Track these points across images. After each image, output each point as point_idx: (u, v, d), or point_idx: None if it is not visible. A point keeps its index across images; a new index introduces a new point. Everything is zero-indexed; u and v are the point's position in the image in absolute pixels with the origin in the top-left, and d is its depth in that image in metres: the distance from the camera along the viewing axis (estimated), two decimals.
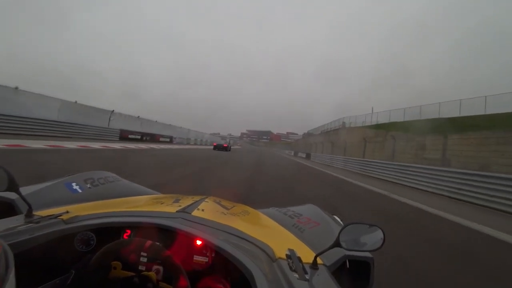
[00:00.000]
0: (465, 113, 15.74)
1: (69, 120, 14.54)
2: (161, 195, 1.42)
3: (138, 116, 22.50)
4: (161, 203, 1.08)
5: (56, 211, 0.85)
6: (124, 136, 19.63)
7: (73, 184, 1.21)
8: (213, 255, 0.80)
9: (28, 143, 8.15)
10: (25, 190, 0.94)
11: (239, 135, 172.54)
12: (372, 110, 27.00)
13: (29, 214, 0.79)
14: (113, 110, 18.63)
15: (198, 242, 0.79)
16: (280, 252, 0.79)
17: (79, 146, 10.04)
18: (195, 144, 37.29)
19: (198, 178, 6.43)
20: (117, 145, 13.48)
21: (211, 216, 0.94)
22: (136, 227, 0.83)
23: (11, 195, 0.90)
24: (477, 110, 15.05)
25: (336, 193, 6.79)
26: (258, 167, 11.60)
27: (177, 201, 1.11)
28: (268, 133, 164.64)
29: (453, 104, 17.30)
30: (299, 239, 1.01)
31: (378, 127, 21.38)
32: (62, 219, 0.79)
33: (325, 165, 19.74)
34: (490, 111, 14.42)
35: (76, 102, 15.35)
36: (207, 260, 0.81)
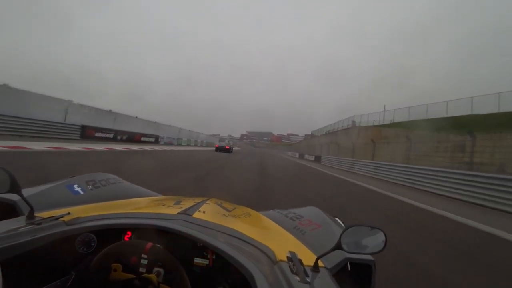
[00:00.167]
0: (477, 111, 15.13)
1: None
2: (163, 197, 1.43)
3: (110, 110, 17.87)
4: (163, 205, 1.09)
5: (58, 213, 0.85)
6: (89, 134, 15.97)
7: (75, 185, 1.22)
8: (214, 257, 0.81)
9: None
10: (27, 191, 0.95)
11: (239, 136, 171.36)
12: (385, 108, 25.14)
13: (30, 216, 0.79)
14: (72, 100, 14.05)
15: (199, 244, 0.79)
16: (281, 254, 0.80)
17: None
18: (188, 145, 34.13)
19: None
20: (72, 146, 10.46)
21: (212, 218, 0.94)
22: (137, 229, 0.84)
23: (13, 197, 0.91)
24: (491, 107, 14.55)
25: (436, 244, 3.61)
26: (264, 179, 8.57)
27: (178, 203, 1.11)
28: (268, 134, 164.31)
29: (463, 102, 16.60)
30: (300, 242, 1.01)
31: (396, 125, 19.75)
32: (63, 220, 0.80)
33: (347, 172, 16.43)
34: (505, 108, 13.79)
35: (5, 85, 10.68)
36: (208, 262, 0.82)
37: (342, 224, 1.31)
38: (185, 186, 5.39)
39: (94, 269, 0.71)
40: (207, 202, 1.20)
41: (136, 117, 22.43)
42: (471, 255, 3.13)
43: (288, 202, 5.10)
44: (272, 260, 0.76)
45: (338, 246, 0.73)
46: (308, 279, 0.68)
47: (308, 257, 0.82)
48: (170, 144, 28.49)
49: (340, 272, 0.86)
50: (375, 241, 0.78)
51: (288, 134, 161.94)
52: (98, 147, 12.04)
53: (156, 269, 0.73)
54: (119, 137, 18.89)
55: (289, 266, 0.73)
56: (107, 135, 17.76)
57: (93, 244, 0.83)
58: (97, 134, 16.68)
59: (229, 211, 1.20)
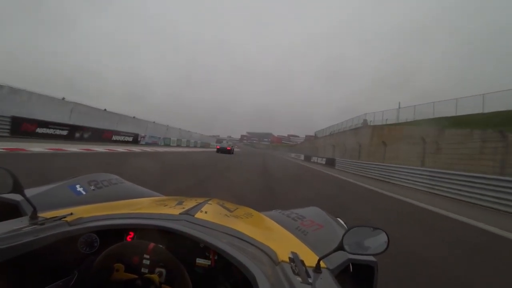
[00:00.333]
0: (490, 109, 13.85)
1: None
2: (165, 197, 1.45)
3: (63, 98, 13.20)
4: (165, 205, 1.11)
5: (61, 213, 0.87)
6: (25, 129, 12.21)
7: (77, 186, 1.24)
8: (216, 257, 0.83)
9: None
10: (29, 192, 0.98)
11: (239, 137, 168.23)
12: (399, 106, 22.67)
13: (33, 216, 0.81)
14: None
15: (201, 245, 0.81)
16: (283, 255, 0.81)
17: None
18: (178, 146, 30.83)
19: None
20: None
21: (214, 219, 0.96)
22: (139, 229, 0.85)
23: (16, 197, 0.93)
24: (506, 105, 13.06)
25: None
26: (271, 191, 6.51)
27: (180, 203, 1.13)
28: (269, 135, 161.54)
29: (472, 100, 15.31)
30: (302, 242, 1.03)
31: (416, 123, 17.60)
32: (66, 221, 0.81)
33: (383, 183, 12.61)
34: None
35: None
36: (209, 263, 0.83)
37: (345, 225, 1.32)
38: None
39: (97, 269, 0.72)
40: (209, 202, 1.21)
41: (105, 109, 17.77)
42: None
43: None
44: (274, 260, 0.76)
45: (340, 247, 0.74)
46: (310, 280, 0.69)
47: (310, 258, 0.83)
48: (155, 144, 25.13)
49: (342, 273, 0.86)
50: (377, 242, 0.78)
51: (289, 135, 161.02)
52: (37, 147, 8.98)
53: (158, 269, 0.73)
54: (77, 135, 14.10)
55: (291, 267, 0.74)
56: (59, 132, 13.00)
57: (95, 244, 0.83)
58: (39, 130, 11.92)
59: (231, 211, 1.21)
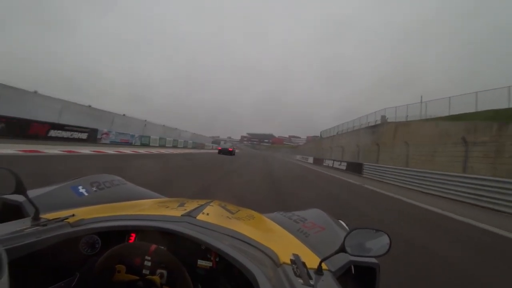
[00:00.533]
0: None
1: None
2: (166, 199, 1.47)
3: None
4: (166, 207, 1.12)
5: (63, 214, 0.89)
6: None
7: (79, 187, 1.25)
8: (217, 259, 0.84)
9: None
10: (32, 193, 0.98)
11: (239, 138, 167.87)
12: (421, 100, 19.36)
13: (36, 217, 0.82)
14: None
15: (203, 246, 0.83)
16: (285, 257, 0.82)
17: None
18: (162, 146, 25.67)
19: None
20: None
21: (216, 220, 0.97)
22: (141, 231, 0.87)
23: (19, 198, 0.94)
24: None
25: None
26: None
27: (182, 205, 1.14)
28: (269, 136, 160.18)
29: (495, 92, 13.03)
30: (304, 244, 1.04)
31: (463, 117, 13.69)
32: (68, 222, 0.83)
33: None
34: None
35: None
36: (211, 265, 0.85)
37: (346, 227, 1.34)
38: None
39: (98, 270, 0.73)
40: (211, 204, 1.23)
41: (36, 91, 11.67)
42: None
43: None
44: (275, 262, 0.78)
45: (342, 249, 0.75)
46: (311, 282, 0.70)
47: (311, 260, 0.84)
48: (125, 144, 19.80)
49: (344, 275, 0.88)
50: (379, 244, 0.79)
51: (290, 136, 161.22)
52: None
53: (159, 270, 0.75)
54: None
55: (293, 269, 0.75)
56: None
57: (97, 246, 0.85)
58: None
59: (232, 213, 1.22)
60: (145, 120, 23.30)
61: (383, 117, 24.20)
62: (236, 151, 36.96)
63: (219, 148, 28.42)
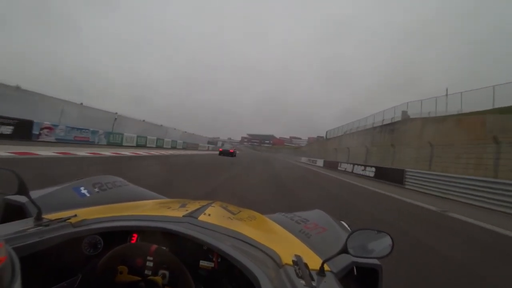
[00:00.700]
0: None
1: None
2: (168, 200, 1.47)
3: None
4: (168, 208, 1.13)
5: (65, 215, 0.89)
6: None
7: (82, 188, 1.25)
8: (219, 260, 0.85)
9: None
10: (34, 193, 1.00)
11: (239, 139, 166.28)
12: (447, 92, 16.93)
13: (38, 217, 0.83)
14: None
15: (204, 247, 0.84)
16: (287, 258, 0.82)
17: None
18: (140, 147, 20.79)
19: None
20: None
21: (218, 221, 0.98)
22: (143, 232, 0.88)
23: (21, 199, 0.95)
24: None
25: None
26: None
27: (183, 205, 1.15)
28: (270, 137, 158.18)
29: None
30: (306, 245, 1.04)
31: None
32: (70, 222, 0.84)
33: None
34: None
35: None
36: (213, 265, 0.85)
37: (348, 228, 1.33)
38: None
39: (100, 271, 0.74)
40: (213, 205, 1.23)
41: None
42: None
43: None
44: (277, 263, 0.78)
45: (344, 250, 0.75)
46: (313, 283, 0.70)
47: (313, 261, 0.84)
48: (83, 142, 15.21)
49: (346, 277, 0.87)
50: (382, 245, 0.79)
51: (291, 137, 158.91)
52: None
53: (161, 271, 0.76)
54: None
55: (295, 270, 0.75)
56: None
57: (99, 246, 0.86)
58: None
59: (234, 214, 1.22)
60: (116, 113, 18.28)
61: (404, 113, 20.78)
62: (237, 152, 35.65)
63: (220, 149, 28.31)
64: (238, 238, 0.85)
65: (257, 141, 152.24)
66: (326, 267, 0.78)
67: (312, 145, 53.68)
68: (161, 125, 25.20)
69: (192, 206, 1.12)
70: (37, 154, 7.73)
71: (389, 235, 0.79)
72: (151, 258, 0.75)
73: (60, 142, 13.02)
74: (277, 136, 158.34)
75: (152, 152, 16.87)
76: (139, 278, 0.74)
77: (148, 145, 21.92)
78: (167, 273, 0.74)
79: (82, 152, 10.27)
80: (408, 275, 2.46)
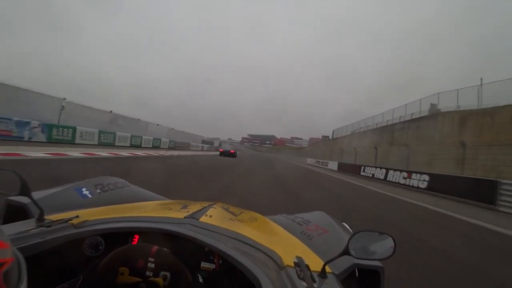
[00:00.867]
0: None
1: None
2: (170, 201, 1.48)
3: None
4: (169, 209, 1.14)
5: (67, 216, 0.90)
6: None
7: (83, 189, 1.25)
8: (220, 261, 0.85)
9: None
10: (37, 194, 1.02)
11: (240, 139, 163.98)
12: (482, 82, 14.04)
13: (40, 218, 0.84)
14: None
15: (206, 249, 0.85)
16: (288, 259, 0.82)
17: None
18: (112, 146, 16.27)
19: None
20: None
21: (219, 223, 0.98)
22: (144, 233, 0.89)
23: (24, 199, 0.95)
24: None
25: None
26: None
27: (185, 207, 1.15)
28: (271, 138, 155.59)
29: None
30: (308, 247, 1.03)
31: None
32: (72, 223, 0.84)
33: None
34: None
35: None
36: (214, 267, 0.85)
37: (350, 230, 1.33)
38: None
39: (102, 272, 0.74)
40: (214, 206, 1.23)
41: None
42: None
43: None
44: (278, 265, 0.78)
45: (346, 252, 0.75)
46: (315, 285, 0.69)
47: (315, 263, 0.84)
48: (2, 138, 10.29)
49: (348, 279, 0.87)
50: (383, 246, 0.79)
51: (292, 138, 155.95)
52: None
53: (162, 272, 0.76)
54: None
55: (296, 272, 0.75)
56: None
57: (100, 247, 0.86)
58: None
59: (235, 215, 1.22)
60: (64, 99, 13.33)
61: (432, 106, 17.25)
62: (237, 152, 34.70)
63: (221, 150, 28.08)
64: (239, 239, 0.85)
65: (258, 141, 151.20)
66: (327, 268, 0.79)
67: (316, 145, 50.85)
68: (138, 119, 20.42)
69: (194, 208, 1.13)
70: None
71: (391, 237, 0.79)
72: (152, 260, 0.76)
73: None
74: (278, 136, 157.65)
75: (120, 153, 12.48)
76: (140, 280, 0.75)
77: (118, 144, 17.16)
78: (168, 274, 0.74)
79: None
80: None
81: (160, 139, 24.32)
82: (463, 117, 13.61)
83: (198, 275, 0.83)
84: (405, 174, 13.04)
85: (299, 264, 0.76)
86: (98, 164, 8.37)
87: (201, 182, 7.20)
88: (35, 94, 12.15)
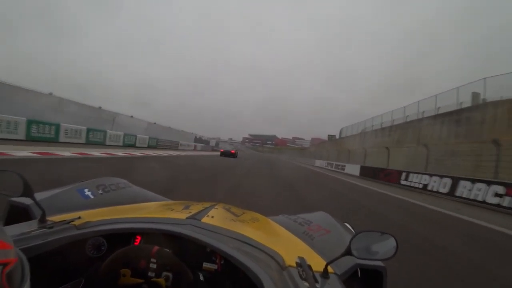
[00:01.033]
0: None
1: None
2: (171, 202, 1.47)
3: None
4: (171, 210, 1.14)
5: (69, 217, 0.91)
6: None
7: (85, 190, 1.25)
8: (222, 262, 0.86)
9: None
10: (39, 195, 1.01)
11: (241, 139, 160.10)
12: None
13: (42, 219, 0.85)
14: None
15: (208, 249, 0.86)
16: (290, 260, 0.83)
17: None
18: (55, 142, 12.05)
19: None
20: None
21: (221, 223, 0.98)
22: (146, 233, 0.90)
23: (26, 201, 0.96)
24: None
25: None
26: None
27: (187, 207, 1.15)
28: (272, 138, 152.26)
29: None
30: (310, 247, 1.03)
31: None
32: (74, 224, 0.85)
33: None
34: None
35: None
36: (216, 267, 0.86)
37: (352, 230, 1.32)
38: None
39: (103, 274, 0.75)
40: (216, 207, 1.23)
41: None
42: None
43: None
44: (280, 265, 0.78)
45: (348, 252, 0.74)
46: (317, 285, 0.70)
47: (317, 263, 0.83)
48: None
49: (350, 279, 0.87)
50: (386, 247, 0.78)
51: (294, 138, 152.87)
52: None
53: (164, 273, 0.76)
54: None
55: (298, 272, 0.75)
56: None
57: (103, 248, 0.87)
58: None
59: (237, 216, 1.21)
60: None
61: (475, 95, 13.23)
62: (238, 153, 33.95)
63: (221, 150, 28.34)
64: (241, 240, 0.86)
65: (259, 141, 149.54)
66: (330, 269, 0.79)
67: (322, 145, 47.65)
68: (100, 108, 15.79)
69: (196, 208, 1.13)
70: None
71: (394, 237, 0.79)
72: (154, 260, 0.76)
73: None
74: (280, 136, 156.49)
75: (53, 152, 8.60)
76: (142, 281, 0.75)
77: (65, 140, 12.59)
78: (170, 275, 0.75)
79: None
80: None
81: (136, 136, 19.11)
82: None
83: (199, 273, 0.84)
84: (499, 189, 7.74)
85: (301, 265, 0.77)
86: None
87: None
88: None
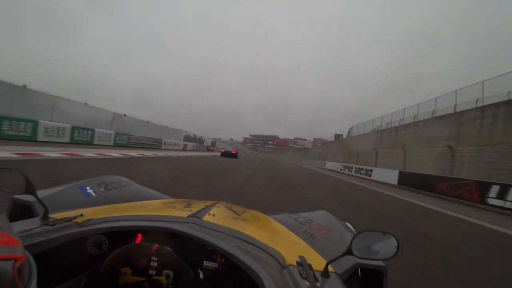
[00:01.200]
0: None
1: None
2: (173, 200, 1.49)
3: None
4: (173, 208, 1.15)
5: (71, 214, 0.92)
6: None
7: (87, 188, 1.26)
8: (223, 260, 0.88)
9: None
10: (41, 193, 1.05)
11: (242, 139, 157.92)
12: None
13: (45, 217, 0.86)
14: None
15: (208, 248, 0.88)
16: (291, 259, 0.85)
17: None
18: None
19: None
20: None
21: (222, 222, 1.00)
22: (147, 231, 0.92)
23: (29, 198, 0.99)
24: None
25: None
26: None
27: (188, 206, 1.17)
28: (273, 138, 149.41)
29: None
30: (310, 246, 1.04)
31: None
32: (76, 222, 0.87)
33: None
34: None
35: None
36: (217, 266, 0.87)
37: (353, 229, 1.32)
38: None
39: (104, 273, 0.76)
40: (217, 205, 1.24)
41: None
42: None
43: None
44: (281, 264, 0.80)
45: (348, 251, 0.75)
46: (317, 285, 0.71)
47: (318, 262, 0.84)
48: None
49: (350, 278, 0.88)
50: (387, 246, 0.79)
51: (295, 138, 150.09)
52: None
53: (165, 271, 0.78)
54: None
55: (299, 271, 0.76)
56: None
57: (104, 246, 0.89)
58: None
59: (238, 214, 1.22)
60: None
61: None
62: (238, 153, 33.58)
63: (222, 150, 28.56)
64: (242, 238, 0.87)
65: (260, 142, 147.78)
66: (330, 268, 0.81)
67: (327, 146, 44.55)
68: (25, 86, 10.40)
69: (197, 206, 1.14)
70: None
71: (395, 237, 0.80)
72: (155, 258, 0.77)
73: None
74: (281, 136, 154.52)
75: None
76: (143, 279, 0.77)
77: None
78: (171, 273, 0.76)
79: None
80: None
81: (93, 130, 14.46)
82: None
83: (199, 271, 0.85)
84: None
85: (302, 264, 0.78)
86: None
87: None
88: None
